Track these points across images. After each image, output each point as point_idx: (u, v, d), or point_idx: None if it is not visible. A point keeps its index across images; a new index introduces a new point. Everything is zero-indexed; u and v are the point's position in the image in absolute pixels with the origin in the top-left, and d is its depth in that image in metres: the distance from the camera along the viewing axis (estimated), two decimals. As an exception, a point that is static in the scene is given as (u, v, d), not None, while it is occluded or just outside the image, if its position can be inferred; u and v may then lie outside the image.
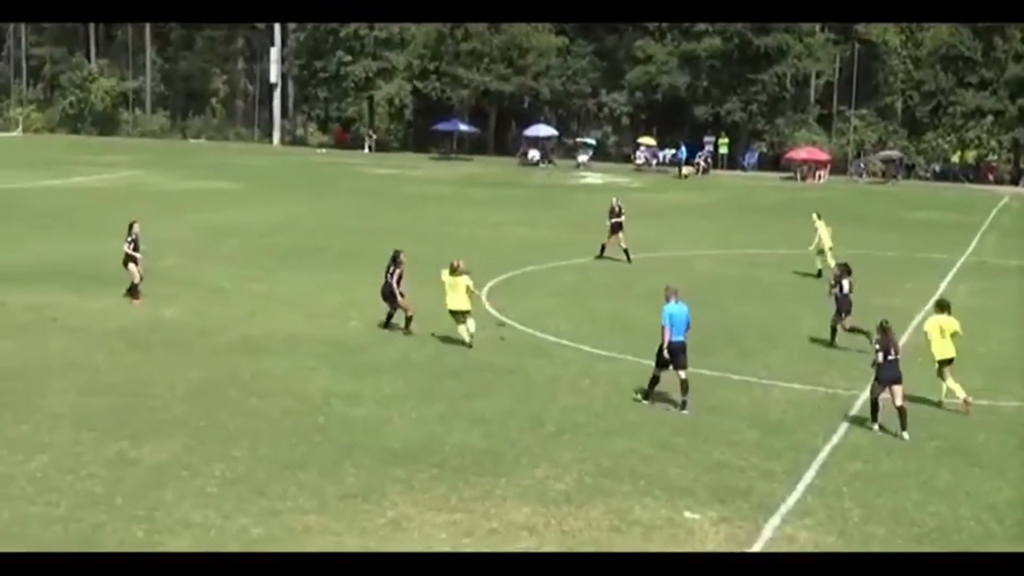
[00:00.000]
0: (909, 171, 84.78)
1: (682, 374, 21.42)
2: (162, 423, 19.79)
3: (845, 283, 26.76)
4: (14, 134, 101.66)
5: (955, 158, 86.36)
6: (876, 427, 20.57)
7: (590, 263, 39.07)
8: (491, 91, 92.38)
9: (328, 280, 33.61)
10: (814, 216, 38.18)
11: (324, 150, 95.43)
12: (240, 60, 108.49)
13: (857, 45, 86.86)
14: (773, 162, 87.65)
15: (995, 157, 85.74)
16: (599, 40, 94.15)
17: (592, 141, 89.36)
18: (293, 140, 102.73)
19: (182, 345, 25.50)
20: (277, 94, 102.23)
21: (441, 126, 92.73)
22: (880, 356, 20.53)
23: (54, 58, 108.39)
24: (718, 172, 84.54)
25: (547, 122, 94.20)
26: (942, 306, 23.07)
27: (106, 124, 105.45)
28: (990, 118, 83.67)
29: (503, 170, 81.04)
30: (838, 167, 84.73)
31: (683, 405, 21.32)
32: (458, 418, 20.67)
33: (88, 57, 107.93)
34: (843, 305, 26.77)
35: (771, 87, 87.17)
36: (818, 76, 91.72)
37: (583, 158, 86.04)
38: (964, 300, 34.20)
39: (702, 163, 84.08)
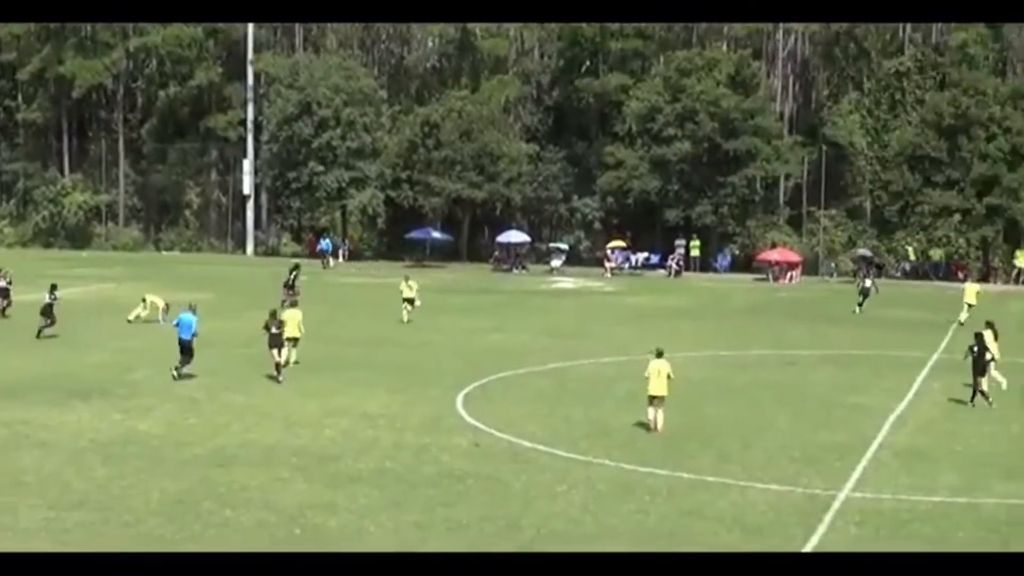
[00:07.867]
0: (880, 270, 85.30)
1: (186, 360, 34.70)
2: (136, 537, 19.62)
3: None
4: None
5: (916, 256, 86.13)
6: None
7: (566, 367, 39.08)
8: (463, 198, 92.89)
9: (304, 389, 33.52)
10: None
11: (296, 260, 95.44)
12: (213, 172, 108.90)
13: (824, 147, 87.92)
14: (745, 264, 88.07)
15: (964, 255, 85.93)
16: (569, 146, 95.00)
17: (564, 246, 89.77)
18: (266, 250, 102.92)
19: (156, 457, 25.35)
20: (250, 204, 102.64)
21: (414, 234, 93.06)
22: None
23: (27, 172, 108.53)
24: (690, 275, 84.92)
25: (519, 228, 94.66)
26: (659, 353, 28.61)
27: (79, 237, 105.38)
28: (957, 216, 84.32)
29: (476, 276, 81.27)
30: (809, 267, 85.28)
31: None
32: (434, 526, 20.57)
33: (61, 171, 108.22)
34: None
35: (741, 189, 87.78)
36: (787, 178, 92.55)
37: (556, 263, 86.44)
38: (938, 397, 34.48)
39: (674, 266, 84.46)
